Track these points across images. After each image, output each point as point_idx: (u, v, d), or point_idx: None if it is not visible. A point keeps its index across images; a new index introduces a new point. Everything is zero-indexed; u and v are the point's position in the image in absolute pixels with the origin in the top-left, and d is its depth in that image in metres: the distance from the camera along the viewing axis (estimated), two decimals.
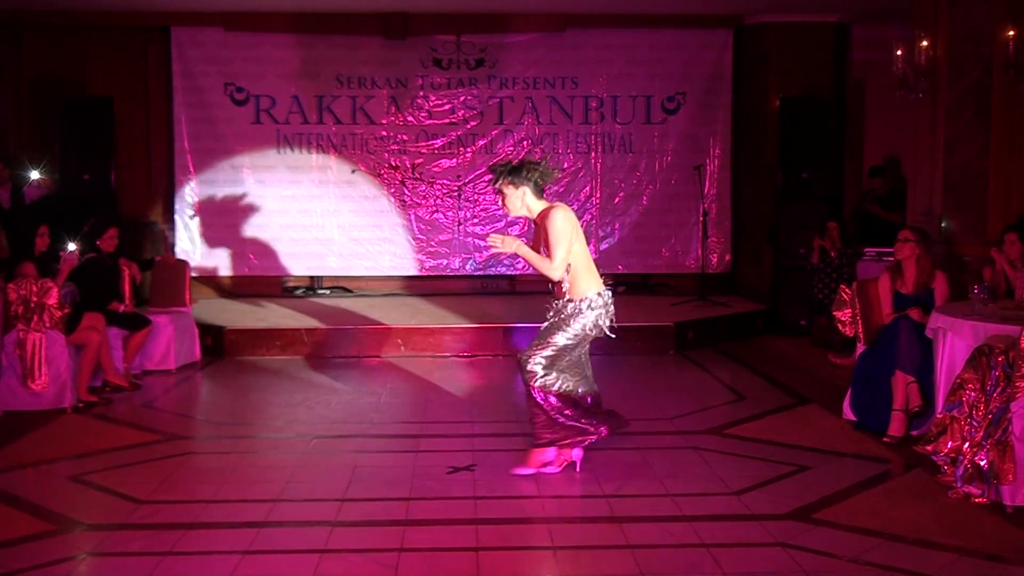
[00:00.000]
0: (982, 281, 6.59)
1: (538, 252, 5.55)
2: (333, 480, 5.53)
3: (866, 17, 11.27)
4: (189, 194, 11.54)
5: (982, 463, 5.05)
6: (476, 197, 11.69)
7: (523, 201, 5.56)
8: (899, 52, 8.04)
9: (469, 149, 11.65)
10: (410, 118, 11.67)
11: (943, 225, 8.18)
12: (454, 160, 11.66)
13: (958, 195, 8.14)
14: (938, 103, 8.23)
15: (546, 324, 5.61)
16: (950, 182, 8.17)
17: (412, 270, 11.76)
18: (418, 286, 11.76)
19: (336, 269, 11.70)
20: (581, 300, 5.48)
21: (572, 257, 5.47)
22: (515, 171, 5.54)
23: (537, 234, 5.65)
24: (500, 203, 5.71)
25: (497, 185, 5.59)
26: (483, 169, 11.35)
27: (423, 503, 5.15)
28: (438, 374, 8.43)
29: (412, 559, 4.40)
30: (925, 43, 7.99)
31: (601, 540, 4.63)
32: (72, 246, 7.46)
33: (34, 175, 10.52)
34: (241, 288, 11.67)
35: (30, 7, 10.78)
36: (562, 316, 5.52)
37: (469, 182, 11.68)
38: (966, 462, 5.14)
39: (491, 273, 11.83)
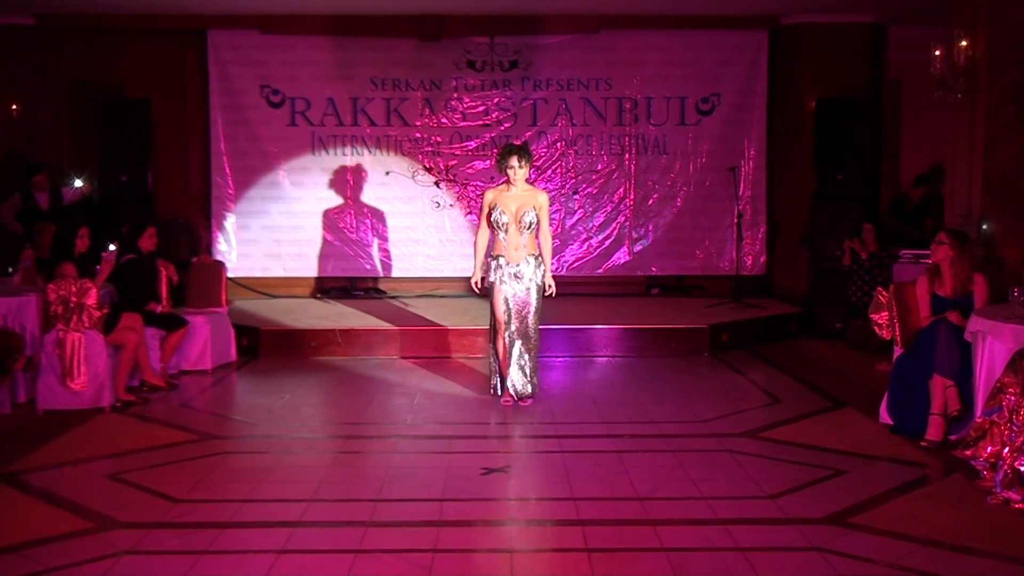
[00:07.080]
0: (1022, 283, 6.50)
1: (522, 212, 7.18)
2: (367, 480, 5.56)
3: (903, 17, 11.15)
4: (225, 196, 11.64)
5: (1022, 468, 4.99)
6: None
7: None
8: (937, 52, 7.97)
9: None
10: (444, 120, 11.70)
11: (983, 227, 8.08)
12: (487, 162, 11.65)
13: (998, 196, 8.03)
14: (977, 103, 8.13)
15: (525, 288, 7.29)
16: (990, 183, 8.07)
17: (446, 272, 11.78)
18: (452, 287, 11.78)
19: (371, 271, 11.76)
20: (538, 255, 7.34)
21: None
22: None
23: (518, 199, 7.21)
24: (512, 175, 7.16)
25: (527, 162, 7.19)
26: None
27: (457, 504, 5.16)
28: (472, 375, 8.43)
29: (446, 560, 4.41)
30: (964, 43, 7.91)
31: (635, 542, 4.61)
32: (112, 247, 7.56)
33: (77, 183, 10.69)
34: (276, 289, 11.75)
35: (70, 11, 10.93)
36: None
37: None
38: (1006, 467, 5.07)
39: None
